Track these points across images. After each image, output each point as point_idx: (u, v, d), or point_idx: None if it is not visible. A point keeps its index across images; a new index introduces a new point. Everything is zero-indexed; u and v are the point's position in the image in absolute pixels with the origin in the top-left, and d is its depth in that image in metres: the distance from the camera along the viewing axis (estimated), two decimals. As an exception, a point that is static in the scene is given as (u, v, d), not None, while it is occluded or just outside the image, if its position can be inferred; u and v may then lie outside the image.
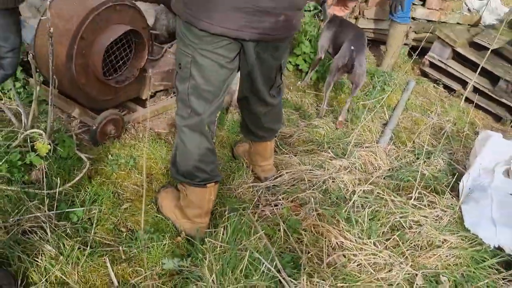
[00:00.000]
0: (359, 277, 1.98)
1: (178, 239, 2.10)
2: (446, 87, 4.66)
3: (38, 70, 2.45)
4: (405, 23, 4.49)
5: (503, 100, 4.21)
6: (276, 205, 2.45)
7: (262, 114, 2.30)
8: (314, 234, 2.21)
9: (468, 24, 5.21)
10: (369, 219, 2.38)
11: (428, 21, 5.07)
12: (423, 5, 5.05)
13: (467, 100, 4.49)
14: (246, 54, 1.92)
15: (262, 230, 2.15)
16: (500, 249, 2.34)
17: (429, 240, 2.39)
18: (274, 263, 1.92)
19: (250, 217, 2.24)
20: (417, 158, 3.16)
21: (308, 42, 3.96)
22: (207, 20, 1.74)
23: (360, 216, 2.34)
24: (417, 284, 2.13)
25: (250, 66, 1.98)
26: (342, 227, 2.23)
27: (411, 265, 2.14)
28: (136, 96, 3.03)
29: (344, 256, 2.10)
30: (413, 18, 5.02)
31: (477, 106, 4.44)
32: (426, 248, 2.36)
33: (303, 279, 1.93)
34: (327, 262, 2.05)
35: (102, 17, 2.49)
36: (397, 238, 2.26)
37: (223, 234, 2.03)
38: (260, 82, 2.10)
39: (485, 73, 4.38)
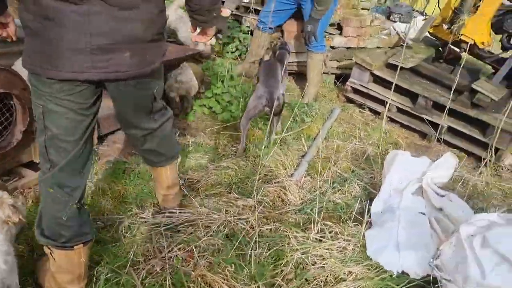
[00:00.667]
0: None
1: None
2: (371, 110, 4.66)
3: None
4: (321, 52, 4.52)
5: (424, 117, 4.21)
6: (170, 258, 2.29)
7: (139, 137, 2.21)
8: (201, 285, 2.06)
9: (388, 47, 5.29)
10: (266, 260, 2.25)
11: (347, 48, 5.13)
12: (340, 33, 5.12)
13: (393, 120, 4.49)
14: (109, 92, 1.87)
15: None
16: (405, 274, 2.22)
17: (334, 274, 2.26)
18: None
19: (133, 276, 2.08)
20: (332, 187, 3.06)
21: (220, 83, 3.91)
22: (52, 68, 1.66)
23: (253, 260, 2.20)
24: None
25: (117, 103, 1.97)
26: (230, 274, 2.08)
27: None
28: (30, 160, 2.87)
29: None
30: (332, 47, 5.08)
31: (403, 125, 4.44)
32: (331, 283, 2.23)
33: None
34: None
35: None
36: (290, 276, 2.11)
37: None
38: (132, 115, 2.07)
39: (406, 92, 4.41)
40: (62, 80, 1.68)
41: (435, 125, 4.19)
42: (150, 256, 2.30)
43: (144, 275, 2.14)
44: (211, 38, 2.22)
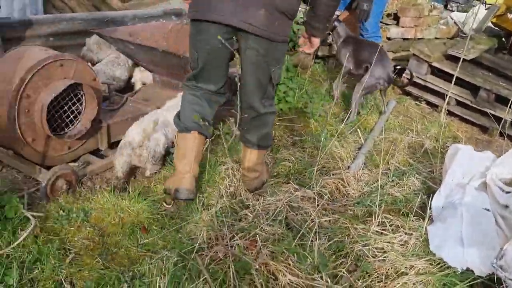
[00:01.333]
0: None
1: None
2: (429, 103, 4.55)
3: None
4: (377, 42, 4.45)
5: (486, 110, 4.07)
6: (232, 246, 2.34)
7: (250, 117, 2.54)
8: (265, 274, 2.10)
9: (447, 37, 5.13)
10: (325, 252, 2.26)
11: (404, 39, 5.02)
12: (397, 24, 5.01)
13: (451, 114, 4.37)
14: (241, 50, 2.37)
15: (210, 275, 2.05)
16: (470, 271, 2.17)
17: (395, 268, 2.24)
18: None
19: (197, 261, 2.15)
20: (391, 181, 3.03)
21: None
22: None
23: (316, 250, 2.21)
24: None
25: (244, 71, 2.41)
26: (292, 263, 2.10)
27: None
28: (95, 148, 3.01)
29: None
30: (388, 38, 4.98)
31: (462, 119, 4.31)
32: (392, 276, 2.22)
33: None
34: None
35: (42, 75, 2.51)
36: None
37: (161, 283, 1.94)
38: (251, 90, 2.45)
39: (466, 84, 4.28)
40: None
41: (497, 119, 4.03)
42: (212, 243, 2.37)
43: (208, 261, 2.21)
44: (316, 49, 2.58)
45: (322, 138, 3.12)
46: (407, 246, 2.34)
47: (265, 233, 2.41)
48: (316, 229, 2.39)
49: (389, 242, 2.36)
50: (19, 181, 2.73)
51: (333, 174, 3.00)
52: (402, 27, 4.97)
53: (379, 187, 2.70)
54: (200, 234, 2.41)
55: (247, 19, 2.19)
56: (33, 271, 2.10)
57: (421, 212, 2.59)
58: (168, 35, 3.99)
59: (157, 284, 1.99)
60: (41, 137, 2.63)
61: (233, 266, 2.13)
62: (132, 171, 2.95)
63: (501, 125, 3.92)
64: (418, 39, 5.01)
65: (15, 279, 1.99)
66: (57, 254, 2.21)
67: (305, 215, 2.60)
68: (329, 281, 2.04)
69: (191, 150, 2.51)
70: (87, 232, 2.39)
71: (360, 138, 3.63)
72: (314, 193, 2.76)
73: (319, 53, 4.97)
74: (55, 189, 2.57)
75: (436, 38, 5.08)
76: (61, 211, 2.49)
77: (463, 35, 5.54)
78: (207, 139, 2.64)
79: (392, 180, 3.02)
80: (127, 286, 2.06)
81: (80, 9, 4.50)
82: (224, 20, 2.21)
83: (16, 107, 2.44)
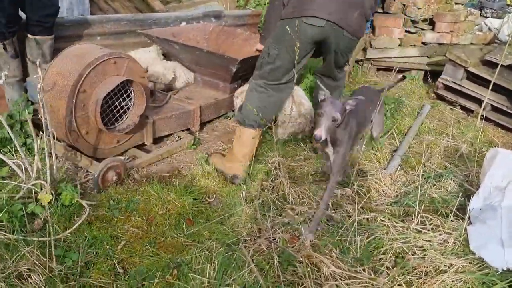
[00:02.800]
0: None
1: (169, 278, 2.12)
2: (463, 108, 4.55)
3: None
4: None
5: (523, 116, 4.06)
6: (274, 239, 2.43)
7: (331, 86, 3.21)
8: (308, 265, 2.18)
9: (483, 43, 5.12)
10: (366, 247, 2.33)
11: (439, 44, 5.03)
12: (433, 29, 5.03)
13: (487, 119, 4.36)
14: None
15: (254, 264, 2.14)
16: (510, 271, 2.21)
17: (435, 265, 2.29)
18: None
19: (243, 251, 2.24)
20: (427, 182, 3.07)
21: (312, 76, 4.01)
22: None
23: (358, 245, 2.28)
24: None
25: (329, 54, 3.04)
26: (336, 256, 2.18)
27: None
28: (141, 142, 3.15)
29: (337, 286, 2.05)
30: (423, 43, 5.01)
31: (497, 125, 4.30)
32: (431, 274, 2.27)
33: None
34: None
35: (98, 71, 2.66)
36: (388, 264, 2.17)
37: (210, 270, 2.04)
38: (332, 65, 3.15)
39: (502, 90, 4.27)
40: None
41: (534, 125, 4.03)
42: (255, 235, 2.46)
43: (252, 253, 2.30)
44: None
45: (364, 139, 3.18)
46: (446, 245, 2.39)
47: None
48: (355, 225, 2.47)
49: (428, 241, 2.40)
50: (72, 172, 2.87)
51: (370, 175, 3.06)
52: (438, 32, 4.98)
53: (415, 187, 2.75)
54: (243, 226, 2.51)
55: (345, 18, 2.68)
56: (89, 255, 2.23)
57: (459, 213, 2.62)
58: (209, 36, 4.13)
59: (206, 271, 2.09)
60: (94, 130, 2.77)
61: (276, 257, 2.22)
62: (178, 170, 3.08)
63: (538, 132, 3.91)
64: (454, 44, 5.02)
65: (74, 261, 2.12)
66: (109, 240, 2.34)
67: (344, 212, 2.67)
68: (372, 273, 2.10)
69: (253, 143, 2.93)
70: (136, 221, 2.52)
71: (395, 140, 3.68)
72: (353, 192, 2.83)
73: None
74: (105, 180, 2.70)
75: (471, 43, 5.08)
76: (112, 201, 2.63)
77: (498, 41, 5.51)
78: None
79: (429, 182, 3.05)
80: (176, 272, 2.17)
81: (123, 11, 4.67)
82: (326, 17, 2.64)
83: (74, 100, 2.59)
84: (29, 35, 3.20)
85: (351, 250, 2.23)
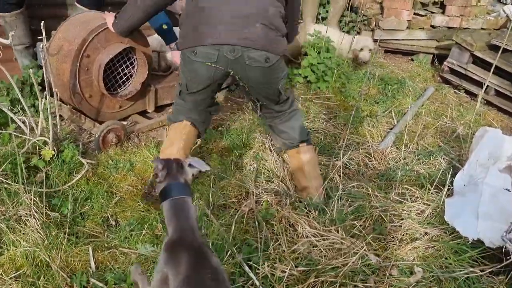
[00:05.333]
0: (319, 261, 2.05)
1: (156, 231, 2.27)
2: (468, 92, 4.57)
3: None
4: None
5: (525, 101, 4.07)
6: (259, 203, 2.56)
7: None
8: (284, 224, 2.31)
9: (493, 28, 5.09)
10: (348, 214, 2.44)
11: (449, 28, 5.03)
12: (443, 12, 5.03)
13: (490, 104, 4.38)
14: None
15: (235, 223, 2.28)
16: (480, 242, 2.29)
17: (410, 233, 2.40)
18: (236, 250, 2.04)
19: (225, 214, 2.39)
20: (417, 159, 3.15)
21: (316, 54, 4.09)
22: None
23: (335, 208, 2.40)
24: (390, 275, 2.16)
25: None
26: (313, 217, 2.31)
27: (376, 252, 2.17)
28: (143, 109, 3.30)
29: (310, 243, 2.18)
30: (433, 26, 5.01)
31: (500, 109, 4.32)
32: (406, 241, 2.37)
33: (266, 264, 2.03)
34: (293, 250, 2.14)
35: (101, 38, 2.80)
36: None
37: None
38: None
39: (507, 75, 4.28)
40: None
41: (536, 111, 4.04)
42: (242, 198, 2.60)
43: (234, 213, 2.44)
44: None
45: (353, 113, 3.26)
46: (423, 215, 2.49)
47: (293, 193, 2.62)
48: (339, 194, 2.57)
49: (406, 210, 2.50)
50: (76, 133, 3.04)
51: (361, 149, 3.15)
52: (448, 15, 4.98)
53: (409, 162, 2.84)
54: (232, 190, 2.65)
55: (242, 34, 2.11)
56: (84, 207, 2.41)
57: (441, 187, 2.71)
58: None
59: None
60: (97, 94, 2.93)
61: (257, 216, 2.36)
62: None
63: (539, 117, 3.92)
64: (464, 28, 5.01)
65: (69, 210, 2.30)
66: (105, 195, 2.52)
67: (330, 181, 2.78)
68: (344, 234, 2.22)
69: (179, 138, 2.42)
70: (132, 180, 2.68)
71: (393, 119, 3.75)
72: (341, 163, 2.93)
73: (362, 38, 5.07)
74: (106, 141, 2.86)
75: (482, 28, 5.06)
76: (110, 160, 2.79)
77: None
78: (200, 137, 2.65)
79: (419, 159, 3.13)
80: (161, 226, 2.32)
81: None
82: (221, 41, 2.11)
83: (78, 64, 2.74)
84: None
85: (327, 212, 2.34)
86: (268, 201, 2.49)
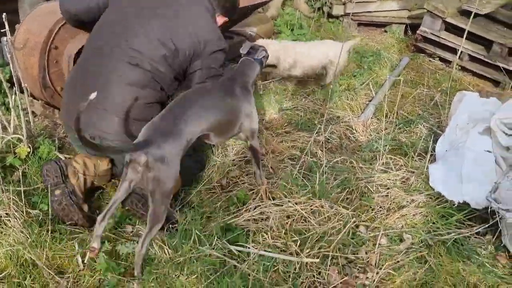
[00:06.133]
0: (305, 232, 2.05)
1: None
2: (442, 59, 4.59)
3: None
4: None
5: (499, 64, 4.11)
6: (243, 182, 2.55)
7: None
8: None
9: (465, -6, 5.10)
10: (334, 188, 2.44)
11: (420, -4, 5.02)
12: (413, -19, 5.02)
13: (465, 69, 4.42)
14: None
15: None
16: (466, 204, 2.32)
17: (397, 202, 2.41)
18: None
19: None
20: (398, 128, 3.16)
21: (290, 31, 4.04)
22: None
23: (316, 181, 2.39)
24: (379, 244, 2.17)
25: None
26: (293, 190, 2.30)
27: (365, 224, 2.18)
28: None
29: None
30: (403, -4, 5.00)
31: (475, 74, 4.35)
32: (394, 209, 2.39)
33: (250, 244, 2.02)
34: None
35: (69, 28, 2.70)
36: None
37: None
38: None
39: (480, 39, 4.31)
40: None
41: (509, 73, 4.08)
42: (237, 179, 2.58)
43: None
44: None
45: (330, 88, 3.25)
46: (408, 183, 2.50)
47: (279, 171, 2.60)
48: (323, 169, 2.56)
49: (391, 180, 2.51)
50: (50, 129, 2.95)
51: (342, 122, 3.14)
52: (418, -16, 4.97)
53: (382, 130, 2.85)
54: (213, 172, 2.62)
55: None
56: (66, 202, 2.34)
57: (424, 155, 2.72)
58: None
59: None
60: (69, 86, 2.83)
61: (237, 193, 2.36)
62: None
63: (513, 79, 3.97)
64: (435, -4, 5.01)
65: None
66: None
67: (313, 157, 2.77)
68: (326, 203, 2.21)
69: None
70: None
71: (371, 91, 3.74)
72: (323, 138, 2.92)
73: (333, 12, 5.03)
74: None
75: (453, -5, 5.07)
76: (89, 153, 2.72)
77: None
78: None
79: (400, 128, 3.14)
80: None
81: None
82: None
83: (46, 57, 2.65)
84: None
85: (308, 186, 2.33)
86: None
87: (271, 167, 2.63)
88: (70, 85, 2.34)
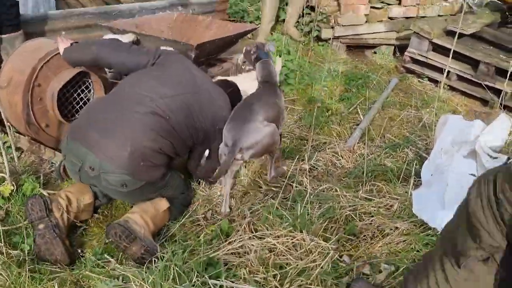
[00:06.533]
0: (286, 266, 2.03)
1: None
2: (431, 80, 4.62)
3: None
4: None
5: (487, 83, 4.12)
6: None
7: None
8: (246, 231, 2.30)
9: (450, 14, 5.17)
10: (319, 218, 2.43)
11: (407, 18, 5.08)
12: (399, 3, 5.08)
13: (453, 89, 4.44)
14: None
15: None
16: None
17: (381, 229, 2.40)
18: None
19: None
20: (385, 153, 3.16)
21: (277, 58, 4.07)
22: None
23: (298, 213, 2.38)
24: (363, 273, 2.15)
25: None
26: (277, 225, 2.29)
27: (349, 253, 2.16)
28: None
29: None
30: (390, 18, 5.06)
31: (463, 93, 4.37)
32: (378, 237, 2.37)
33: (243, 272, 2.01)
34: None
35: (52, 65, 2.73)
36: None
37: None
38: None
39: (467, 59, 4.34)
40: None
41: (497, 92, 4.09)
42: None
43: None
44: None
45: (314, 113, 3.26)
46: (392, 210, 2.49)
47: (262, 204, 2.59)
48: (308, 197, 2.56)
49: (375, 207, 2.50)
50: (36, 164, 2.97)
51: (328, 149, 3.15)
52: (404, 6, 5.03)
53: (366, 159, 2.84)
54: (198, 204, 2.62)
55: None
56: (48, 241, 2.33)
57: (408, 179, 2.71)
58: (173, 24, 4.19)
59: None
60: (54, 122, 2.86)
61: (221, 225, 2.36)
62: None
63: (500, 97, 3.98)
64: (421, 17, 5.07)
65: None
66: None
67: (299, 186, 2.76)
68: (306, 236, 2.19)
69: None
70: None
71: (359, 114, 3.75)
72: (308, 166, 2.91)
73: (323, 36, 5.08)
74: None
75: (439, 15, 5.13)
76: (74, 189, 2.73)
77: (472, 10, 5.53)
78: None
79: (386, 152, 3.14)
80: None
81: (91, 5, 4.73)
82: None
83: (30, 94, 2.67)
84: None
85: (289, 219, 2.32)
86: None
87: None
88: (92, 110, 2.43)
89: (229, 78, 3.45)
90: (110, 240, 2.19)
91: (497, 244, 1.31)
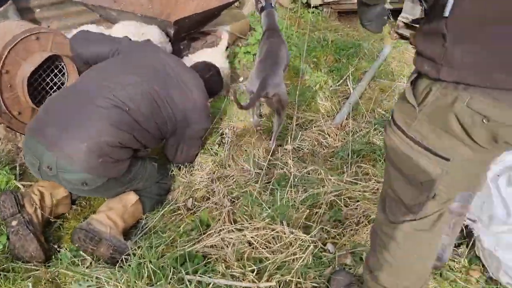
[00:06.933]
0: (265, 260, 1.97)
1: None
2: (425, 46, 4.43)
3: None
4: None
5: (482, 50, 3.95)
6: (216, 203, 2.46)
7: None
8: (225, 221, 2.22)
9: (447, -25, 4.91)
10: (302, 204, 2.35)
11: (401, -20, 4.84)
12: (394, -36, 4.83)
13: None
14: None
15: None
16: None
17: (366, 215, 2.32)
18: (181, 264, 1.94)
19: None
20: (374, 129, 3.04)
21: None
22: None
23: (278, 202, 2.30)
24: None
25: None
26: (256, 214, 2.21)
27: (334, 240, 2.09)
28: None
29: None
30: (384, -19, 4.81)
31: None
32: (363, 223, 2.30)
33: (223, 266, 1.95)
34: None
35: (19, 49, 2.59)
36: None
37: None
38: None
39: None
40: None
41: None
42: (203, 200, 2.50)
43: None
44: None
45: (297, 92, 3.13)
46: (377, 194, 2.40)
47: (246, 190, 2.51)
48: (292, 180, 2.47)
49: (360, 191, 2.41)
50: (13, 153, 2.87)
51: (314, 127, 3.03)
52: (398, -33, 4.78)
53: (350, 137, 2.73)
54: (178, 192, 2.54)
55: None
56: (23, 237, 2.27)
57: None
58: (154, -1, 3.99)
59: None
60: (27, 109, 2.74)
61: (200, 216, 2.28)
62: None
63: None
64: (416, -21, 4.82)
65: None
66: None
67: (284, 166, 2.67)
68: (286, 228, 2.11)
69: None
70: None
71: (350, 88, 3.61)
72: (292, 147, 2.81)
73: (312, 3, 4.86)
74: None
75: (435, -24, 4.87)
76: (51, 179, 2.64)
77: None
78: None
79: (375, 129, 3.03)
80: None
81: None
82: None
83: (-2, 82, 2.55)
84: None
85: (268, 210, 2.24)
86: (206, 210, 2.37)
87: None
88: (51, 104, 2.26)
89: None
90: (77, 245, 2.13)
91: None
